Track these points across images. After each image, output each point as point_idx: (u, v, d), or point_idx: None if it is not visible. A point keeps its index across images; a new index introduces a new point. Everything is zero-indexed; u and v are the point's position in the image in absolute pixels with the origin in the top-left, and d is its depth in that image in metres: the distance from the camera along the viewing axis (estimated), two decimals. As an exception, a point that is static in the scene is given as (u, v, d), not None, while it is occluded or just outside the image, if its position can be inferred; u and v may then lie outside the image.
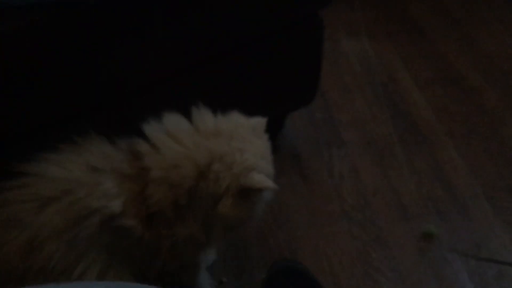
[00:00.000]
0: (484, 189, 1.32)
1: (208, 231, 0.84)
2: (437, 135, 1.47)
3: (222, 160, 0.78)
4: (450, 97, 1.59)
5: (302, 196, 1.31)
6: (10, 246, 0.75)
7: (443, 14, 1.92)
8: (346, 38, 1.81)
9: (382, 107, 1.55)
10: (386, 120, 1.51)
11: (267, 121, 0.90)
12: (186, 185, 0.78)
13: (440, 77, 1.66)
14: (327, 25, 1.21)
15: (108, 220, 0.77)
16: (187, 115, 0.85)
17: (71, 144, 0.82)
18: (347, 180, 1.35)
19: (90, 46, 0.86)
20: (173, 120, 0.84)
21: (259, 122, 0.88)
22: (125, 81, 0.96)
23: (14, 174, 0.78)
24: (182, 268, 0.92)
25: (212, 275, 1.11)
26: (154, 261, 0.85)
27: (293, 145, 1.44)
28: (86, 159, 0.80)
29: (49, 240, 0.75)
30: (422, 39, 1.81)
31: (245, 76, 1.14)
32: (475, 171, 1.37)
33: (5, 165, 0.76)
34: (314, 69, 1.27)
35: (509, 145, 1.43)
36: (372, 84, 1.63)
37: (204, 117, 0.85)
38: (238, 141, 0.81)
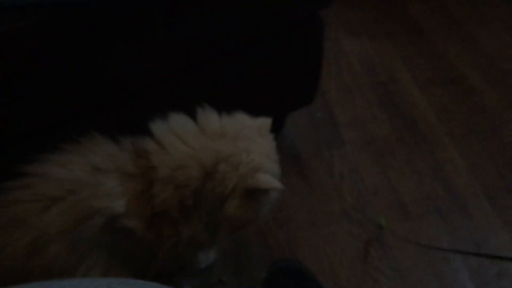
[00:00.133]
0: (484, 189, 1.32)
1: (212, 232, 0.84)
2: (437, 134, 1.47)
3: (228, 160, 0.78)
4: (450, 97, 1.59)
5: (302, 195, 1.31)
6: (14, 247, 0.75)
7: (443, 14, 1.92)
8: (346, 38, 1.81)
9: (382, 107, 1.56)
10: (386, 120, 1.52)
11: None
12: (192, 186, 0.77)
13: (440, 77, 1.66)
14: (327, 25, 1.21)
15: (111, 220, 0.77)
16: (191, 115, 0.85)
17: (74, 144, 0.82)
18: (347, 179, 1.36)
19: (91, 46, 0.86)
20: (179, 120, 0.84)
21: (264, 122, 0.88)
22: (126, 81, 0.96)
23: (16, 174, 0.78)
24: (181, 267, 0.92)
25: (212, 274, 1.11)
26: (154, 261, 0.85)
27: (293, 145, 1.44)
28: (89, 159, 0.80)
29: (53, 241, 0.75)
30: (422, 39, 1.81)
31: (246, 76, 1.14)
32: (475, 171, 1.37)
33: (7, 165, 0.76)
34: (315, 69, 1.28)
35: (509, 145, 1.43)
36: (372, 84, 1.63)
37: (210, 117, 0.85)
38: (243, 141, 0.81)
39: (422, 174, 1.37)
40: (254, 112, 0.88)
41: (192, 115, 0.86)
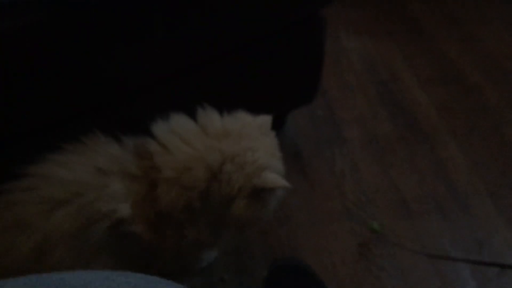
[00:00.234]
0: (486, 187, 1.32)
1: (216, 232, 0.84)
2: (438, 133, 1.47)
3: (234, 160, 0.77)
4: (451, 95, 1.59)
5: (303, 193, 1.31)
6: (19, 250, 0.74)
7: (444, 12, 1.92)
8: (347, 36, 1.81)
9: (383, 105, 1.56)
10: (387, 118, 1.52)
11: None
12: (199, 188, 0.77)
13: (441, 75, 1.66)
14: (328, 24, 1.21)
15: (117, 224, 0.76)
16: (191, 115, 0.85)
17: (77, 144, 0.82)
18: (349, 177, 1.36)
19: (91, 45, 0.86)
20: (180, 121, 0.84)
21: (265, 119, 0.87)
22: (126, 80, 0.96)
23: (19, 175, 0.78)
24: (183, 267, 0.92)
25: (213, 272, 1.11)
26: (156, 262, 0.85)
27: (295, 143, 1.44)
28: (92, 160, 0.79)
29: (59, 245, 0.74)
30: (423, 38, 1.81)
31: (247, 75, 1.14)
32: (477, 169, 1.37)
33: (8, 165, 0.75)
34: (316, 67, 1.27)
35: (511, 143, 1.43)
36: (374, 83, 1.63)
37: (211, 117, 0.84)
38: (247, 140, 0.80)
39: (424, 172, 1.37)
40: (255, 110, 0.88)
41: (193, 115, 0.85)
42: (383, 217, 1.26)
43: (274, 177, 0.78)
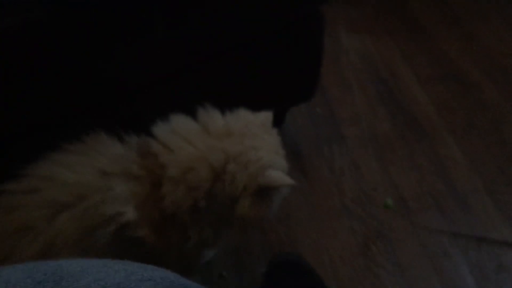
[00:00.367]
0: (484, 184, 1.33)
1: (219, 231, 0.83)
2: (438, 130, 1.47)
3: (237, 160, 0.77)
4: (451, 93, 1.59)
5: (302, 191, 1.31)
6: (22, 255, 0.72)
7: (443, 10, 1.92)
8: (347, 34, 1.81)
9: (382, 103, 1.56)
10: (387, 116, 1.52)
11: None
12: (203, 188, 0.76)
13: (441, 73, 1.66)
14: (328, 22, 1.21)
15: (121, 227, 0.75)
16: (191, 113, 0.84)
17: (79, 144, 0.81)
18: (348, 175, 1.36)
19: (91, 44, 0.87)
20: (181, 121, 0.83)
21: (266, 115, 0.87)
22: (127, 79, 0.96)
23: (20, 175, 0.77)
24: (184, 266, 0.91)
25: (212, 269, 1.11)
26: (159, 263, 0.84)
27: (294, 140, 1.44)
28: (95, 161, 0.78)
29: (64, 249, 0.73)
30: (422, 36, 1.81)
31: (246, 72, 1.14)
32: (476, 166, 1.37)
33: (10, 165, 0.75)
34: (315, 65, 1.28)
35: (510, 140, 1.44)
36: (373, 80, 1.64)
37: (213, 117, 0.83)
38: (250, 139, 0.80)
39: (423, 169, 1.37)
40: (254, 108, 0.88)
41: (193, 114, 0.85)
42: (382, 214, 1.26)
43: (279, 175, 0.78)
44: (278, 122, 1.42)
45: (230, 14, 1.01)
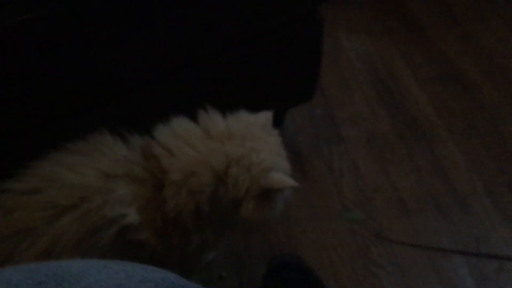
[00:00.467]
0: (483, 185, 1.33)
1: (222, 235, 0.83)
2: (437, 131, 1.47)
3: (239, 163, 0.76)
4: (450, 93, 1.59)
5: (302, 192, 1.31)
6: (23, 256, 0.72)
7: (442, 10, 1.92)
8: (346, 35, 1.81)
9: (382, 103, 1.56)
10: (386, 116, 1.52)
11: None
12: (206, 192, 0.76)
13: (440, 74, 1.66)
14: (326, 22, 1.21)
15: (123, 230, 0.74)
16: (191, 112, 0.84)
17: (82, 144, 0.80)
18: (347, 176, 1.36)
19: (90, 42, 0.87)
20: (182, 124, 0.83)
21: (266, 116, 0.86)
22: (127, 77, 0.96)
23: (21, 173, 0.76)
24: (186, 269, 0.91)
25: (212, 269, 1.11)
26: (160, 266, 0.83)
27: (293, 141, 1.44)
28: (98, 162, 0.77)
29: (65, 251, 0.72)
30: (421, 36, 1.81)
31: (245, 73, 1.15)
32: (475, 167, 1.37)
33: (10, 163, 0.75)
34: (314, 65, 1.28)
35: (509, 141, 1.44)
36: (372, 81, 1.64)
37: (214, 119, 0.83)
38: (252, 141, 0.79)
39: (422, 170, 1.37)
40: (254, 108, 0.88)
41: (192, 113, 0.84)
42: (381, 215, 1.26)
43: (281, 177, 0.78)
44: (277, 123, 1.42)
45: (229, 11, 1.01)
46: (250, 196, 0.76)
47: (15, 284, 0.39)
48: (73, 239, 0.73)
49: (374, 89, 1.61)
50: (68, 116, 0.94)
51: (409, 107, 1.55)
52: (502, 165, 1.37)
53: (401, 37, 1.80)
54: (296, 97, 1.34)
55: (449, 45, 1.77)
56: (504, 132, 1.46)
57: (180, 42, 0.99)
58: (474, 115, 1.52)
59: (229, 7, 1.00)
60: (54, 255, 0.72)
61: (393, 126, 1.49)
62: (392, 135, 1.47)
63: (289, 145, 1.42)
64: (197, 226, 0.78)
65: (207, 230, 0.79)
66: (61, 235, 0.72)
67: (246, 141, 0.79)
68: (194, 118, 0.84)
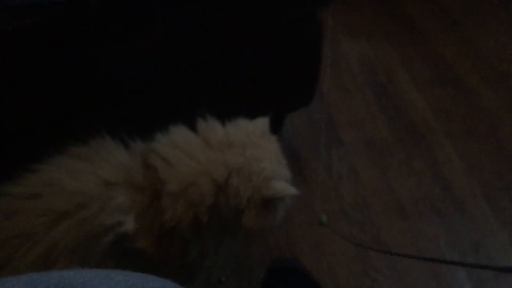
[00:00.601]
0: (482, 189, 1.33)
1: (221, 243, 0.82)
2: (436, 135, 1.48)
3: (240, 173, 0.76)
4: (449, 97, 1.59)
5: (301, 196, 1.31)
6: (21, 262, 0.72)
7: (441, 15, 1.92)
8: (345, 39, 1.81)
9: (381, 107, 1.56)
10: (385, 120, 1.52)
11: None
12: (206, 203, 0.75)
13: (439, 78, 1.67)
14: (326, 27, 1.21)
15: (121, 239, 0.74)
16: (189, 116, 0.83)
17: (84, 149, 0.80)
18: (346, 180, 1.36)
19: (90, 43, 0.87)
20: (181, 134, 0.82)
21: (263, 123, 0.86)
22: (126, 79, 0.96)
23: (23, 177, 0.76)
24: (185, 277, 0.91)
25: (211, 274, 1.11)
26: (159, 274, 0.83)
27: (292, 145, 1.45)
28: (99, 169, 0.77)
29: (62, 257, 0.72)
30: (420, 40, 1.81)
31: (244, 77, 1.15)
32: (474, 171, 1.38)
33: (10, 165, 0.74)
34: (313, 70, 1.28)
35: (507, 145, 1.44)
36: (371, 85, 1.64)
37: (213, 128, 0.82)
38: (252, 149, 0.78)
39: (421, 174, 1.37)
40: (253, 113, 0.87)
41: (191, 117, 0.84)
42: (380, 219, 1.26)
43: (283, 186, 0.77)
44: (276, 128, 1.43)
45: (227, 15, 1.01)
46: (252, 205, 0.75)
47: (17, 295, 0.39)
48: (70, 245, 0.72)
49: (373, 93, 1.61)
50: (69, 118, 0.94)
51: (408, 111, 1.55)
52: (500, 170, 1.38)
53: (400, 42, 1.80)
54: (296, 101, 1.35)
55: (448, 49, 1.77)
56: (503, 136, 1.47)
57: (180, 44, 0.99)
58: (473, 119, 1.52)
59: (226, 11, 1.01)
60: (51, 261, 0.72)
61: (392, 130, 1.49)
62: (390, 139, 1.47)
63: (288, 149, 1.43)
64: (195, 236, 0.77)
65: (205, 239, 0.79)
66: (59, 241, 0.72)
67: (246, 149, 0.78)
68: (192, 125, 0.84)
